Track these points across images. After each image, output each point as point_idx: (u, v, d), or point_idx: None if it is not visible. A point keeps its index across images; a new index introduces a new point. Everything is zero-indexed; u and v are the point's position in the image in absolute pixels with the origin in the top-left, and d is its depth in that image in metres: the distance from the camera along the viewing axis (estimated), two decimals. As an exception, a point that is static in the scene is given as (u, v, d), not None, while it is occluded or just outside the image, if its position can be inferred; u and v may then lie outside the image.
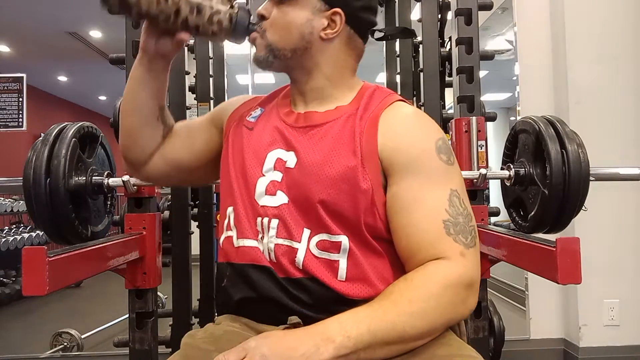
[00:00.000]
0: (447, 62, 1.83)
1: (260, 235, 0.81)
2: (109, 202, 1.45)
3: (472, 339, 1.40)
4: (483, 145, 1.45)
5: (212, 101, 2.08)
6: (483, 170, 1.40)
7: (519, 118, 2.07)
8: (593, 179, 1.31)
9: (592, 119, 2.39)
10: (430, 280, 0.73)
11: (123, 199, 1.49)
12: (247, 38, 0.86)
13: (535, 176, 1.34)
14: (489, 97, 5.66)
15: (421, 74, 1.78)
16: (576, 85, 2.44)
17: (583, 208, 1.32)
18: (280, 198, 0.81)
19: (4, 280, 4.34)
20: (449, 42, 1.79)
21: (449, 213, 0.76)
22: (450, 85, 1.80)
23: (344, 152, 0.80)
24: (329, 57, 0.86)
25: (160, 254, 1.43)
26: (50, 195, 1.21)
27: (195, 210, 1.92)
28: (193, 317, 1.84)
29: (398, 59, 2.24)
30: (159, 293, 2.00)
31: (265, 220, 0.80)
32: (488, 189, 1.72)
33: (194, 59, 2.05)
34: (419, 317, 0.70)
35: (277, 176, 0.82)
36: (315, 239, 0.78)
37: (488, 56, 1.60)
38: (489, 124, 1.56)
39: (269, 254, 0.79)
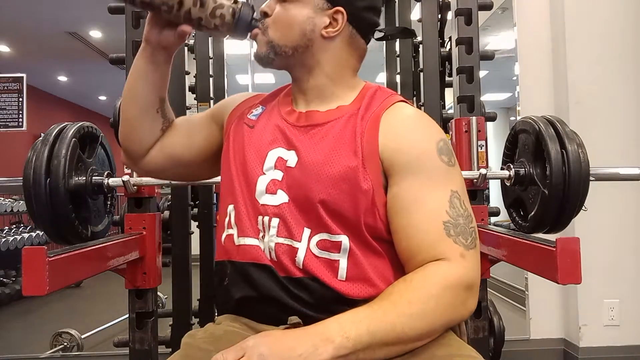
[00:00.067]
0: (447, 62, 1.83)
1: (261, 234, 0.81)
2: (109, 202, 1.45)
3: (472, 339, 1.40)
4: (483, 145, 1.45)
5: (212, 101, 2.08)
6: (483, 170, 1.40)
7: (519, 118, 2.07)
8: (593, 179, 1.31)
9: (592, 119, 2.39)
10: (430, 282, 0.73)
11: (123, 199, 1.49)
12: (248, 35, 0.86)
13: (535, 176, 1.34)
14: (489, 97, 5.66)
15: (421, 74, 1.79)
16: (576, 85, 2.44)
17: (583, 208, 1.32)
18: (281, 197, 0.81)
19: (4, 280, 4.34)
20: (449, 42, 1.79)
21: (449, 214, 0.76)
22: (450, 85, 1.81)
23: (345, 152, 0.79)
24: (330, 55, 0.86)
25: (160, 254, 1.43)
26: (50, 195, 1.21)
27: (195, 210, 1.92)
28: (193, 317, 1.84)
29: (398, 59, 2.24)
30: (159, 293, 2.00)
31: (266, 219, 0.80)
32: (488, 189, 1.72)
33: (194, 59, 2.05)
34: (418, 318, 0.70)
35: (278, 175, 0.82)
36: (316, 238, 0.78)
37: (488, 56, 1.60)
38: (489, 124, 1.56)
39: (270, 252, 0.79)
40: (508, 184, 1.42)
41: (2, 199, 4.64)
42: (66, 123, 1.32)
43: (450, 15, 1.64)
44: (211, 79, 2.10)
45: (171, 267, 1.77)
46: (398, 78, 2.25)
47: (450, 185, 0.78)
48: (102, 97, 8.57)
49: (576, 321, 2.41)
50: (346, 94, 0.87)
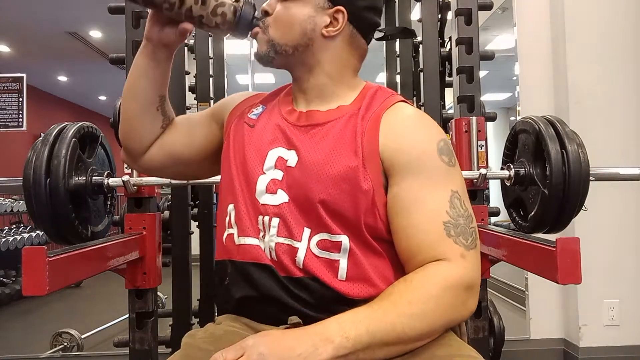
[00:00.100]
0: (447, 62, 1.83)
1: (261, 234, 0.81)
2: (109, 202, 1.45)
3: (472, 339, 1.40)
4: (483, 145, 1.45)
5: (212, 101, 2.08)
6: (483, 170, 1.40)
7: (519, 118, 2.07)
8: (593, 179, 1.31)
9: (592, 119, 2.39)
10: (430, 282, 0.73)
11: (123, 199, 1.50)
12: (249, 33, 0.86)
13: (535, 176, 1.34)
14: (489, 97, 5.66)
15: (421, 74, 1.79)
16: (576, 85, 2.44)
17: (583, 208, 1.32)
18: (281, 197, 0.81)
19: (4, 280, 4.34)
20: (449, 42, 1.79)
21: (449, 214, 0.76)
22: (450, 85, 1.81)
23: (345, 151, 0.79)
24: (330, 54, 0.86)
25: (160, 254, 1.43)
26: (50, 195, 1.21)
27: (195, 210, 1.92)
28: (193, 317, 1.84)
29: (398, 59, 2.24)
30: (159, 293, 2.00)
31: (266, 218, 0.80)
32: (488, 189, 1.72)
33: (194, 59, 2.05)
34: (418, 319, 0.70)
35: (278, 175, 0.82)
36: (316, 238, 0.78)
37: (488, 56, 1.60)
38: (489, 124, 1.56)
39: (270, 252, 0.79)
40: (508, 184, 1.42)
41: (2, 199, 4.64)
42: (66, 123, 1.32)
43: (450, 15, 1.64)
44: (211, 79, 2.10)
45: (171, 267, 1.77)
46: (398, 78, 2.25)
47: (451, 186, 0.78)
48: (102, 97, 8.58)
49: (576, 321, 2.41)
50: (347, 94, 0.87)
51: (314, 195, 0.78)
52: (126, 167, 1.38)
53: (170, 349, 1.70)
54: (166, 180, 1.41)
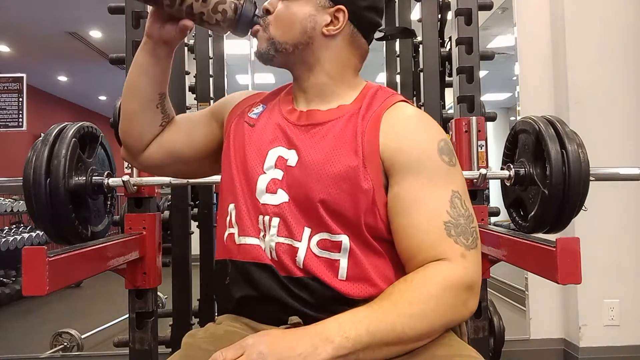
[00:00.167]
0: (447, 62, 1.83)
1: (262, 234, 0.81)
2: (109, 202, 1.45)
3: (472, 339, 1.40)
4: (483, 145, 1.45)
5: (212, 101, 2.08)
6: (483, 170, 1.40)
7: (519, 118, 2.07)
8: (593, 179, 1.31)
9: (592, 119, 2.39)
10: (430, 282, 0.73)
11: (123, 199, 1.50)
12: (249, 31, 0.86)
13: (535, 176, 1.34)
14: (489, 97, 5.66)
15: (421, 74, 1.79)
16: (576, 85, 2.44)
17: (583, 208, 1.32)
18: (281, 196, 0.81)
19: (4, 280, 4.34)
20: (449, 42, 1.79)
21: (450, 214, 0.76)
22: (450, 85, 1.81)
23: (346, 151, 0.79)
24: (330, 53, 0.86)
25: (160, 254, 1.43)
26: (50, 195, 1.21)
27: (195, 210, 1.92)
28: (193, 317, 1.84)
29: (398, 59, 2.24)
30: (159, 293, 2.00)
31: (267, 218, 0.80)
32: (488, 189, 1.72)
33: (194, 59, 2.05)
34: (418, 319, 0.70)
35: (278, 174, 0.82)
36: (316, 238, 0.78)
37: (488, 56, 1.60)
38: (489, 124, 1.56)
39: (271, 252, 0.79)
40: (508, 184, 1.42)
41: (2, 199, 4.64)
42: (66, 123, 1.32)
43: (450, 15, 1.64)
44: (211, 79, 2.10)
45: (171, 267, 1.77)
46: (398, 78, 2.26)
47: (451, 185, 0.78)
48: (102, 97, 8.58)
49: (576, 321, 2.41)
50: (347, 93, 0.87)
51: (314, 194, 0.78)
52: (126, 167, 1.38)
53: (170, 349, 1.70)
54: (166, 180, 1.41)
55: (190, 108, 1.96)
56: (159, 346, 1.48)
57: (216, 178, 1.07)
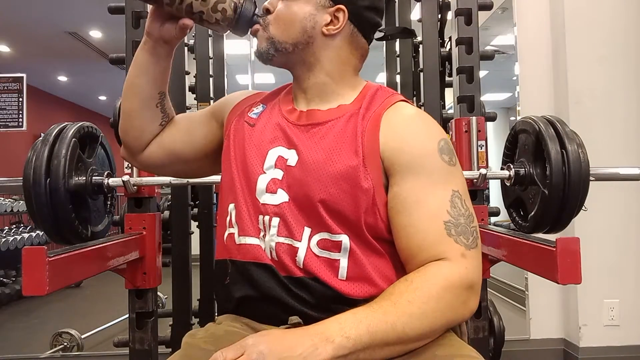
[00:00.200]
0: (447, 62, 1.83)
1: (262, 234, 0.81)
2: (109, 202, 1.45)
3: (472, 339, 1.40)
4: (483, 145, 1.45)
5: (211, 101, 2.08)
6: (483, 170, 1.40)
7: (519, 118, 2.07)
8: (593, 179, 1.31)
9: (592, 119, 2.39)
10: (430, 282, 0.73)
11: (123, 199, 1.50)
12: (249, 30, 0.86)
13: (535, 176, 1.34)
14: (489, 97, 5.65)
15: (421, 74, 1.79)
16: (576, 85, 2.44)
17: (583, 208, 1.32)
18: (281, 196, 0.81)
19: (4, 280, 4.34)
20: (449, 42, 1.79)
21: (450, 214, 0.76)
22: (450, 85, 1.81)
23: (346, 151, 0.79)
24: (330, 53, 0.86)
25: (160, 254, 1.43)
26: (50, 195, 1.21)
27: (195, 210, 1.92)
28: (193, 317, 1.84)
29: (398, 59, 2.24)
30: (159, 293, 2.00)
31: (267, 218, 0.80)
32: (488, 189, 1.72)
33: (194, 59, 2.05)
34: (418, 319, 0.70)
35: (278, 174, 0.82)
36: (316, 237, 0.78)
37: (488, 56, 1.60)
38: (489, 124, 1.56)
39: (271, 252, 0.79)
40: (508, 184, 1.42)
41: (2, 199, 4.64)
42: (66, 123, 1.32)
43: (450, 15, 1.64)
44: (211, 79, 2.10)
45: (171, 267, 1.77)
46: (398, 78, 2.25)
47: (452, 185, 0.78)
48: (102, 97, 8.58)
49: (576, 321, 2.41)
50: (347, 93, 0.87)
51: (314, 194, 0.78)
52: (126, 167, 1.38)
53: (170, 349, 1.70)
54: (166, 180, 1.41)
55: (190, 108, 1.96)
56: (159, 346, 1.48)
57: (216, 178, 1.07)
